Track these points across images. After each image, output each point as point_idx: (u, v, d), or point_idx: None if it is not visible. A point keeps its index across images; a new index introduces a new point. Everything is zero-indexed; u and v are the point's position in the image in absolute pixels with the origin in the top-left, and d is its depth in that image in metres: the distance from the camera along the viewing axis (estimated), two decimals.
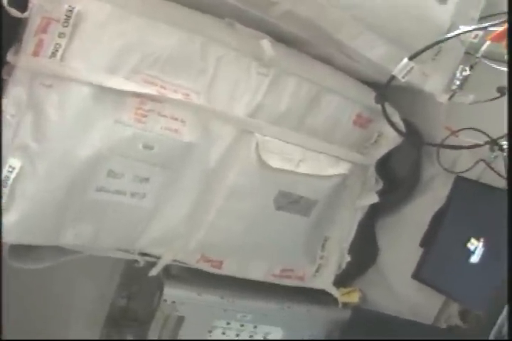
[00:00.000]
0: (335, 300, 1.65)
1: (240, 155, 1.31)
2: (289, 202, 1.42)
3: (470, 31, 1.16)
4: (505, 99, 1.15)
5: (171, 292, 1.42)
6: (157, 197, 1.27)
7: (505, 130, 1.21)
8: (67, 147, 1.12)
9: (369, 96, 1.41)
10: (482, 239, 1.42)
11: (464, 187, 1.51)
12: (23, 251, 1.27)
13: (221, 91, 1.25)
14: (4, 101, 1.13)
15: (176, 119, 1.20)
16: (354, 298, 1.69)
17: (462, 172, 1.51)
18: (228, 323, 1.51)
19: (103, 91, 1.11)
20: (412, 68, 1.17)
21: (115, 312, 1.70)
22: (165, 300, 1.41)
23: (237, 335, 1.54)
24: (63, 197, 1.15)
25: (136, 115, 1.16)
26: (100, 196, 1.20)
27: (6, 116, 1.12)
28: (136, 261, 1.37)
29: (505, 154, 1.28)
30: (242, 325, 1.53)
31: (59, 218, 1.18)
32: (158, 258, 1.38)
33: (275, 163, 1.33)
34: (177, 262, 1.41)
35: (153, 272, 1.39)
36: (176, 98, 1.19)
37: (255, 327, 1.55)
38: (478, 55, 1.21)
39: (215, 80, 1.24)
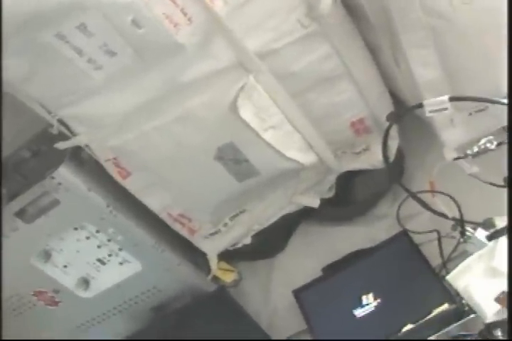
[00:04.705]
0: (209, 270, 1.56)
1: (219, 86, 1.18)
2: (232, 159, 1.30)
3: None
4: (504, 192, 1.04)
5: (64, 173, 1.31)
6: (111, 77, 1.13)
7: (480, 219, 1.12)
8: None
9: (385, 107, 1.29)
10: (379, 300, 1.32)
11: (401, 244, 1.41)
12: None
13: (249, 16, 1.11)
14: None
15: (185, 14, 1.05)
16: (228, 277, 1.61)
17: (411, 231, 1.40)
18: (98, 232, 1.42)
19: None
20: (445, 109, 1.05)
21: (14, 158, 1.59)
22: (52, 178, 1.30)
23: (98, 247, 1.45)
24: (17, 23, 1.00)
25: None
26: (56, 43, 1.05)
27: None
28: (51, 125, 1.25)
29: (461, 240, 1.17)
30: (109, 240, 1.44)
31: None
32: (74, 135, 1.26)
33: (246, 113, 1.20)
34: (88, 149, 1.29)
35: (60, 146, 1.28)
36: None
37: (120, 249, 1.45)
38: None
39: (251, 2, 1.09)
